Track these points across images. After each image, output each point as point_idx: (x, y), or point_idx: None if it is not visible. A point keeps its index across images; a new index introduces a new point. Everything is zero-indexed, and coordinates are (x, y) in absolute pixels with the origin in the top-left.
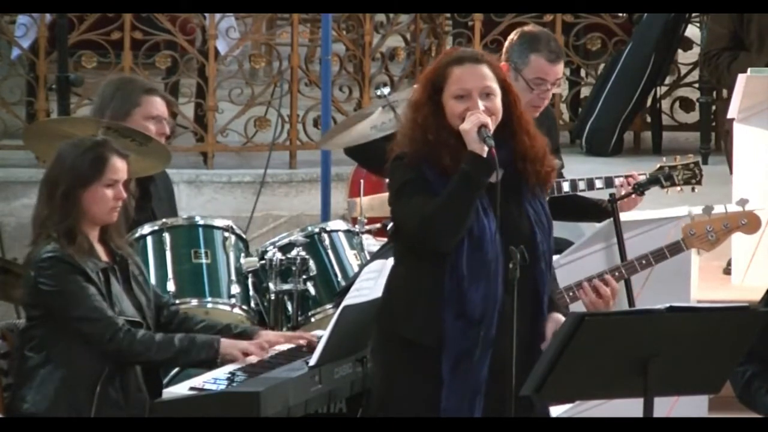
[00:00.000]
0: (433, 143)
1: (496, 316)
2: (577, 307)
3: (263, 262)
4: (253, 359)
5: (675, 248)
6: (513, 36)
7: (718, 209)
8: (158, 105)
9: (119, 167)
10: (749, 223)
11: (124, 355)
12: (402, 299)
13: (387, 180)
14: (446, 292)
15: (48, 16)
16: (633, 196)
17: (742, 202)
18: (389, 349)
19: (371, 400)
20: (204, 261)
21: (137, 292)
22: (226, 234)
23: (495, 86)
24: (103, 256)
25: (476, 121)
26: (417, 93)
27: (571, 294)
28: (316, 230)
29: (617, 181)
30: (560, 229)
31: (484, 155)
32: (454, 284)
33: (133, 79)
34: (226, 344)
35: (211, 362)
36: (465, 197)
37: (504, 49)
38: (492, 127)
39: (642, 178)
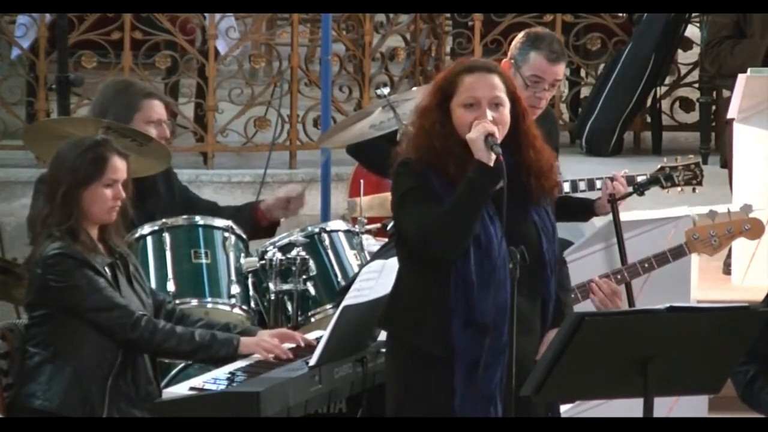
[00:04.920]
0: (439, 151)
1: (507, 323)
2: (587, 306)
3: (263, 262)
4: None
5: (678, 252)
6: (519, 35)
7: (722, 214)
8: (158, 108)
9: (119, 167)
10: (752, 228)
11: (146, 343)
12: (410, 308)
13: (391, 185)
14: (453, 300)
15: (48, 16)
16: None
17: (746, 208)
18: (401, 357)
19: (372, 400)
20: (204, 261)
21: (138, 289)
22: (226, 234)
23: (504, 97)
24: (104, 253)
25: (483, 129)
26: (426, 99)
27: (582, 293)
28: (316, 230)
29: (599, 183)
30: (560, 229)
31: (491, 164)
32: (461, 293)
33: (132, 83)
34: (247, 342)
35: (229, 360)
36: (470, 205)
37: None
38: (499, 137)
39: (622, 179)
